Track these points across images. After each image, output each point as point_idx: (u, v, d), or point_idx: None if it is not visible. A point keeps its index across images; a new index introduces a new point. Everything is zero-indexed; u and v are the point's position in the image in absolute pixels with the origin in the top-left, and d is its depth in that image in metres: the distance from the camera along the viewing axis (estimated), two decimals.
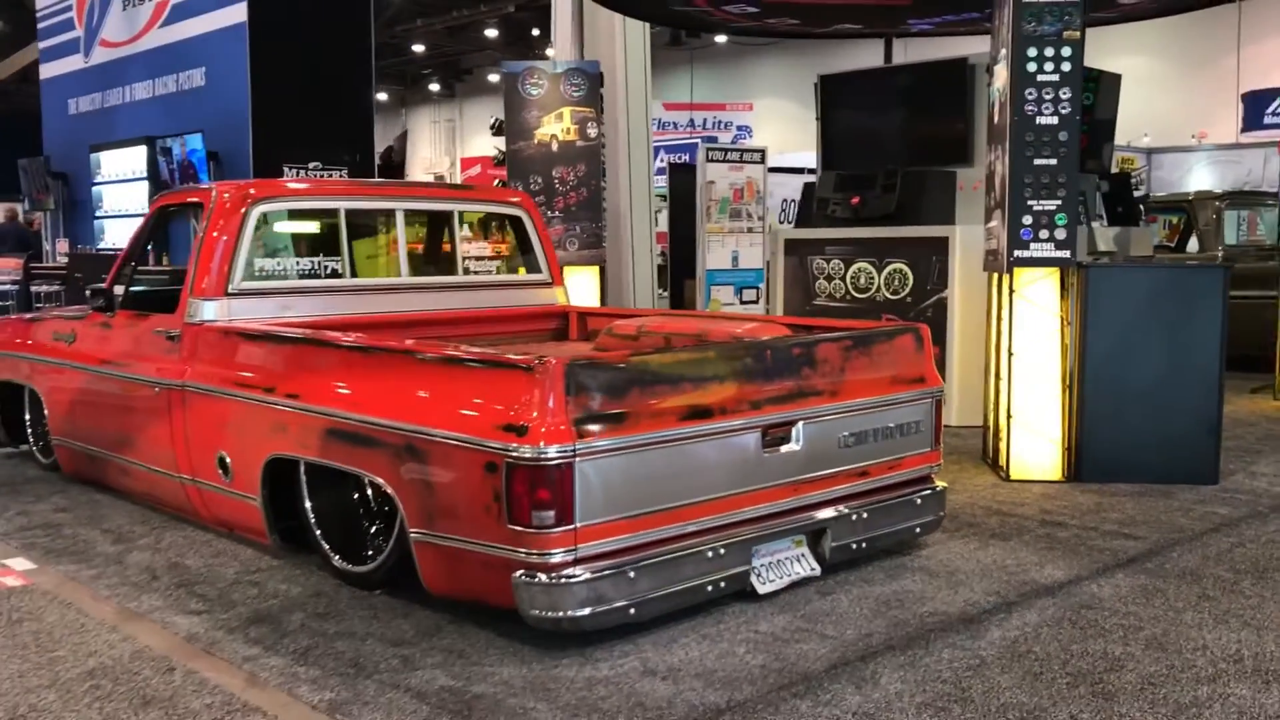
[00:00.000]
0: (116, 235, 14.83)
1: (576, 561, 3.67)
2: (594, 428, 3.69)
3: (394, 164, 14.06)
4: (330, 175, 12.73)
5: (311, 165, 12.81)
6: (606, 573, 3.70)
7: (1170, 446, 6.26)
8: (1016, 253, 6.24)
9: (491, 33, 32.73)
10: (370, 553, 4.47)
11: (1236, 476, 6.40)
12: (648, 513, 3.84)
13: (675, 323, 5.56)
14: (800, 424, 4.32)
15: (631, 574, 3.76)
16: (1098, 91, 8.86)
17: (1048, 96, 6.15)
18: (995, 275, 6.62)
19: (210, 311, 5.20)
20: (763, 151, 18.80)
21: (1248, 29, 22.28)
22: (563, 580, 3.64)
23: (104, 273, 14.40)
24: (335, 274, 5.67)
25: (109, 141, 14.72)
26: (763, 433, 4.20)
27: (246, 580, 4.58)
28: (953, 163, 8.49)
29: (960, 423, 7.74)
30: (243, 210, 5.30)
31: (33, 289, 15.03)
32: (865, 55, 28.09)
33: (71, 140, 15.97)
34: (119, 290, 5.94)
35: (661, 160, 20.69)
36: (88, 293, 5.93)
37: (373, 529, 4.52)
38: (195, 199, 5.62)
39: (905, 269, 8.33)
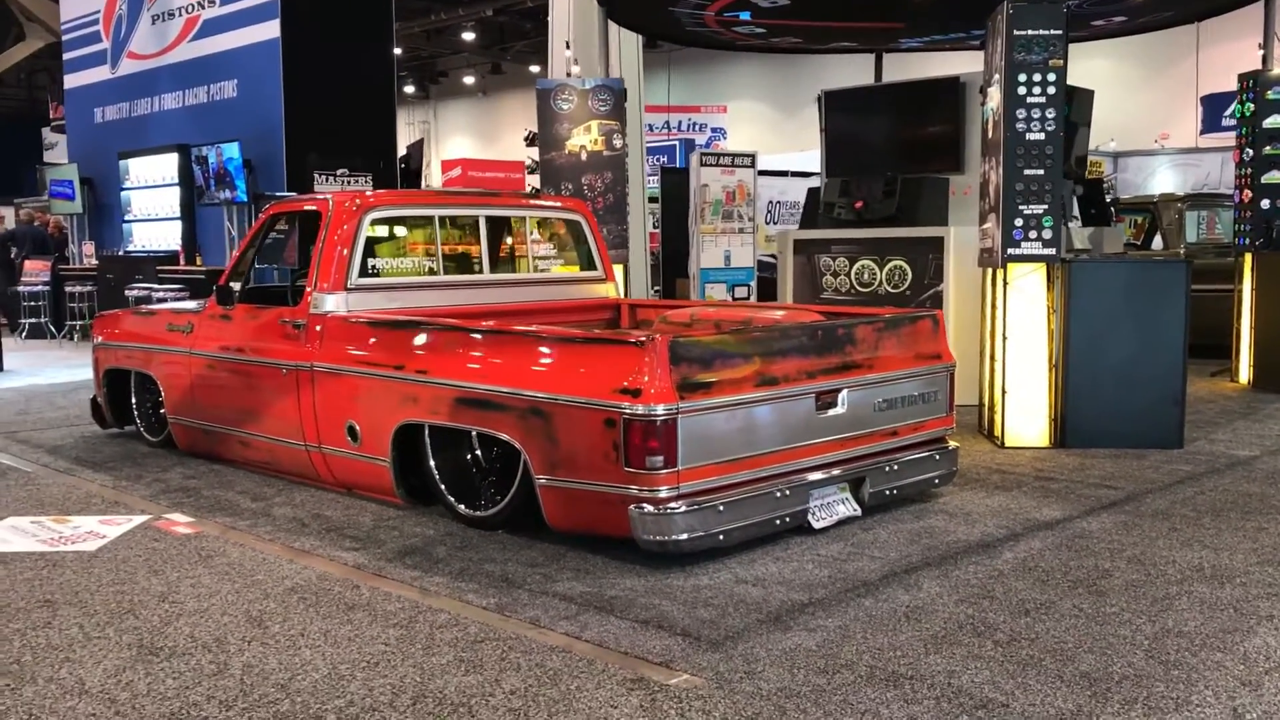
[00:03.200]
0: (145, 238, 15.66)
1: (679, 497, 4.63)
2: (690, 391, 4.64)
3: (411, 170, 14.94)
4: (357, 182, 13.64)
5: (340, 172, 13.71)
6: (701, 507, 4.65)
7: (1141, 416, 7.29)
8: (1010, 250, 7.24)
9: (469, 36, 33.59)
10: (487, 500, 5.40)
11: (1199, 443, 7.43)
12: (730, 460, 4.80)
13: (721, 311, 6.53)
14: (845, 391, 5.28)
15: (720, 508, 4.71)
16: (1072, 106, 9.88)
17: (1035, 116, 7.16)
18: (990, 270, 7.62)
19: (332, 303, 6.11)
20: (753, 156, 19.87)
21: (1206, 33, 23.38)
22: (668, 511, 4.59)
23: (136, 274, 15.22)
24: (431, 271, 6.60)
25: (138, 149, 15.53)
26: (816, 398, 5.16)
27: (385, 525, 5.49)
28: (945, 170, 9.51)
29: (956, 401, 8.71)
30: (357, 217, 6.21)
31: (66, 289, 15.79)
32: (837, 63, 29.18)
33: (98, 147, 16.76)
34: (235, 286, 6.82)
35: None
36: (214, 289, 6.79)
37: (489, 480, 5.46)
38: (311, 207, 6.52)
39: (905, 265, 9.32)
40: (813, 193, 10.54)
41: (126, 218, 15.87)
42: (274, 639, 3.99)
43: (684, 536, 4.62)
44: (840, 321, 5.47)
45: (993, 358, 7.58)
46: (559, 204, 7.36)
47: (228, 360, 6.69)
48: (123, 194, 15.83)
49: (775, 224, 20.49)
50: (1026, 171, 7.21)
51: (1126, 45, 23.12)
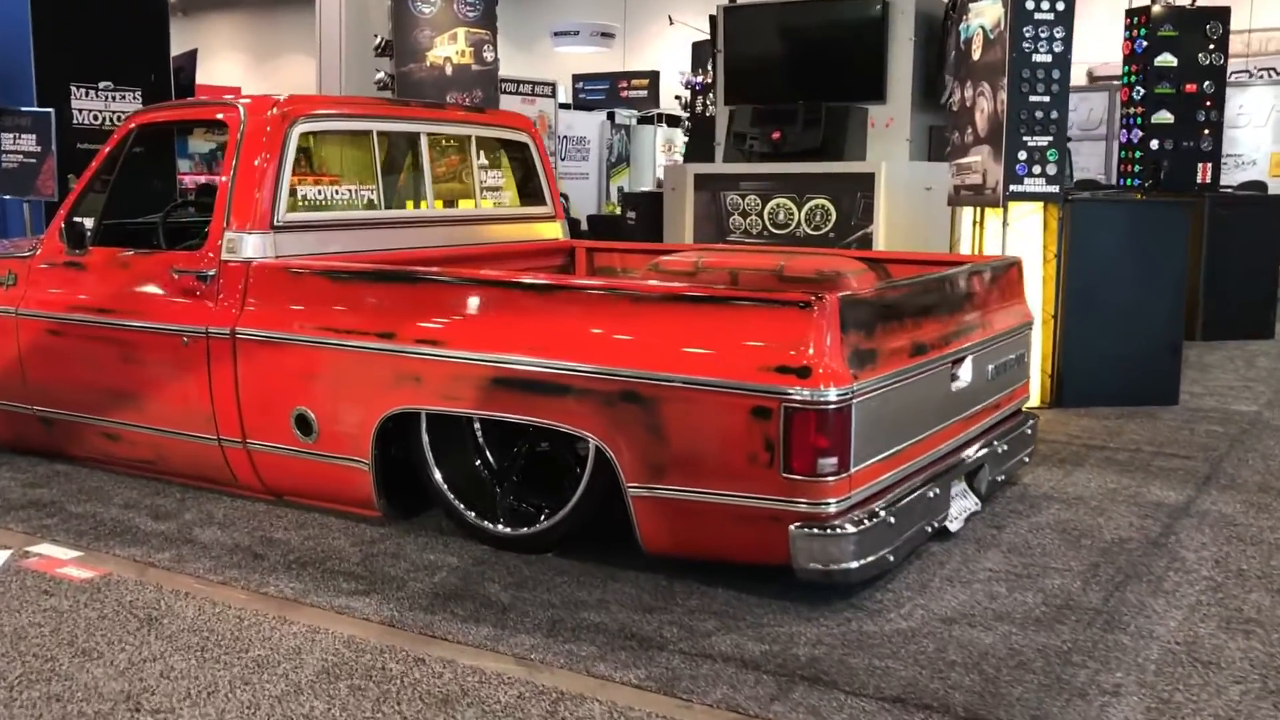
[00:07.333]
0: None
1: (850, 509, 3.47)
2: (860, 368, 3.48)
3: (181, 85, 12.71)
4: (124, 97, 11.39)
5: (103, 85, 11.40)
6: (874, 520, 3.50)
7: (1137, 370, 6.67)
8: (1013, 187, 6.40)
9: None
10: (515, 515, 4.07)
11: (1183, 397, 6.89)
12: (889, 456, 3.68)
13: (733, 258, 5.32)
14: (969, 358, 4.25)
15: (891, 520, 3.58)
16: None
17: (1044, 35, 6.31)
18: (975, 211, 6.78)
19: (254, 247, 4.49)
20: (553, 85, 18.42)
21: None
22: (842, 531, 3.42)
23: None
24: (370, 204, 5.05)
25: None
26: (952, 366, 4.12)
27: (378, 553, 4.02)
28: (865, 99, 8.59)
29: None
30: (283, 131, 4.59)
31: None
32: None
33: None
34: (87, 223, 5.02)
35: None
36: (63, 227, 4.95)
37: (509, 485, 4.13)
38: (213, 116, 4.83)
39: (828, 205, 8.37)
40: (704, 121, 9.42)
41: None
42: None
43: (854, 564, 3.46)
44: (955, 272, 4.41)
45: None
46: (506, 121, 5.88)
47: (84, 325, 4.89)
48: None
49: (564, 160, 19.30)
50: (1032, 98, 6.37)
51: None
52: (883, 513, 3.54)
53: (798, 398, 3.34)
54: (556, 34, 29.27)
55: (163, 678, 3.05)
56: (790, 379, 3.36)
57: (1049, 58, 6.34)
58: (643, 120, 21.52)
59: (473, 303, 3.98)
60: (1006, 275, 4.82)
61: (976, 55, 6.71)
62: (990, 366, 4.47)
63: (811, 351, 3.37)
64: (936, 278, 4.15)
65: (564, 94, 26.89)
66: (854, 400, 3.41)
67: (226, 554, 4.03)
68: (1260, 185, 14.79)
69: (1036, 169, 6.41)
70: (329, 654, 3.20)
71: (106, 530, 4.29)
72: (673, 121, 20.68)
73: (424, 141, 5.30)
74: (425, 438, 4.15)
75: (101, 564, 3.95)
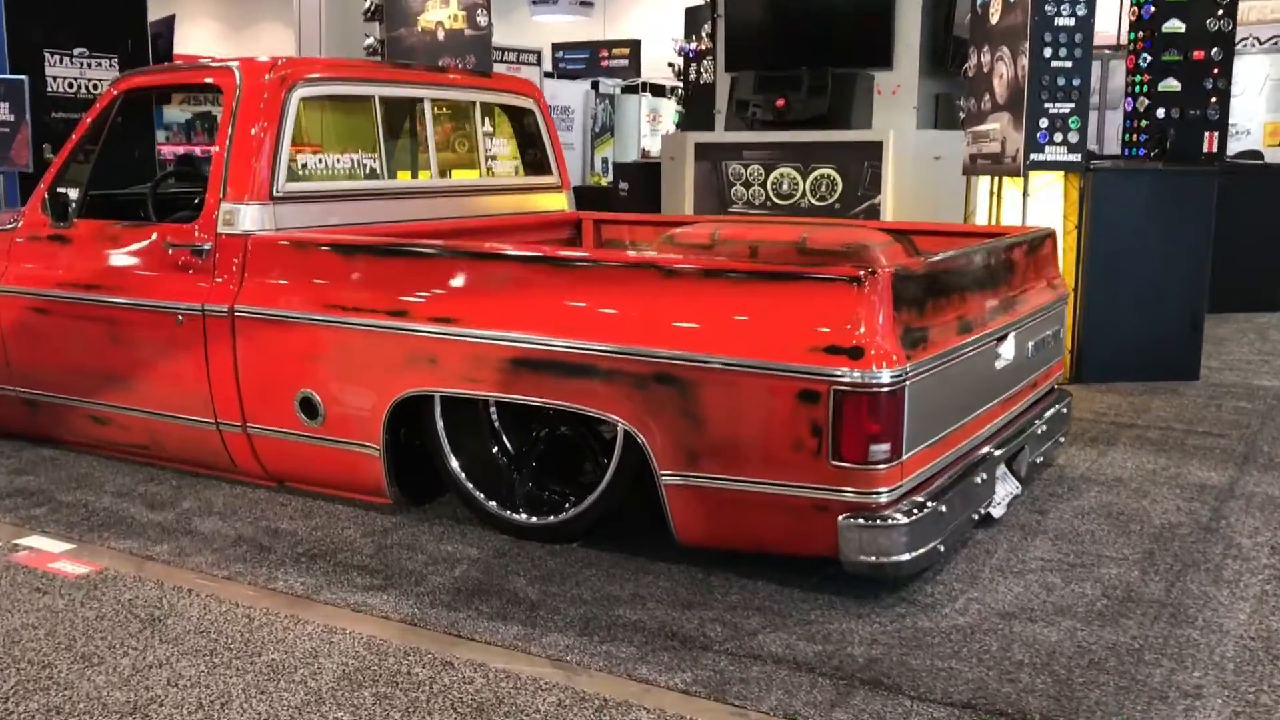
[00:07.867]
0: None
1: (901, 498, 3.26)
2: (912, 347, 3.26)
3: (158, 52, 12.35)
4: (100, 64, 11.03)
5: (77, 52, 11.04)
6: (926, 510, 3.29)
7: (1158, 344, 6.49)
8: (1034, 156, 6.18)
9: None
10: (536, 503, 3.85)
11: (1203, 371, 6.71)
12: (939, 441, 3.47)
13: (751, 230, 5.09)
14: (1011, 335, 4.04)
15: (943, 509, 3.38)
16: None
17: None
18: (993, 180, 6.57)
19: (252, 220, 4.23)
20: (538, 53, 18.08)
21: None
22: (893, 522, 3.21)
23: None
24: (373, 174, 4.78)
25: None
26: (996, 344, 3.91)
27: (392, 544, 3.79)
28: (871, 65, 8.34)
29: None
30: (281, 96, 4.32)
31: None
32: None
33: None
34: (71, 194, 4.73)
35: None
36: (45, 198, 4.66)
37: (526, 471, 3.91)
38: (206, 80, 4.55)
39: (834, 174, 8.14)
40: (701, 88, 9.15)
41: None
42: None
43: (905, 556, 3.25)
44: (998, 244, 4.18)
45: None
46: (511, 86, 5.61)
47: (70, 302, 4.62)
48: None
49: None
50: (1055, 64, 6.15)
51: None
52: (934, 501, 3.34)
53: (848, 380, 3.13)
54: (534, 2, 28.80)
55: (170, 686, 2.82)
56: (841, 360, 3.14)
57: (1072, 21, 6.12)
58: (627, 90, 21.16)
59: (493, 278, 3.73)
60: (1043, 247, 4.62)
61: (995, 19, 6.48)
62: (1030, 343, 4.26)
63: (863, 330, 3.15)
64: (983, 250, 3.92)
65: (545, 63, 26.52)
66: (907, 382, 3.19)
67: (230, 546, 3.79)
68: (1256, 155, 14.64)
69: (1058, 137, 6.20)
70: (349, 657, 2.97)
71: (100, 521, 4.04)
72: (657, 91, 20.32)
73: (427, 107, 5.03)
74: (440, 422, 3.92)
75: (96, 558, 3.70)
